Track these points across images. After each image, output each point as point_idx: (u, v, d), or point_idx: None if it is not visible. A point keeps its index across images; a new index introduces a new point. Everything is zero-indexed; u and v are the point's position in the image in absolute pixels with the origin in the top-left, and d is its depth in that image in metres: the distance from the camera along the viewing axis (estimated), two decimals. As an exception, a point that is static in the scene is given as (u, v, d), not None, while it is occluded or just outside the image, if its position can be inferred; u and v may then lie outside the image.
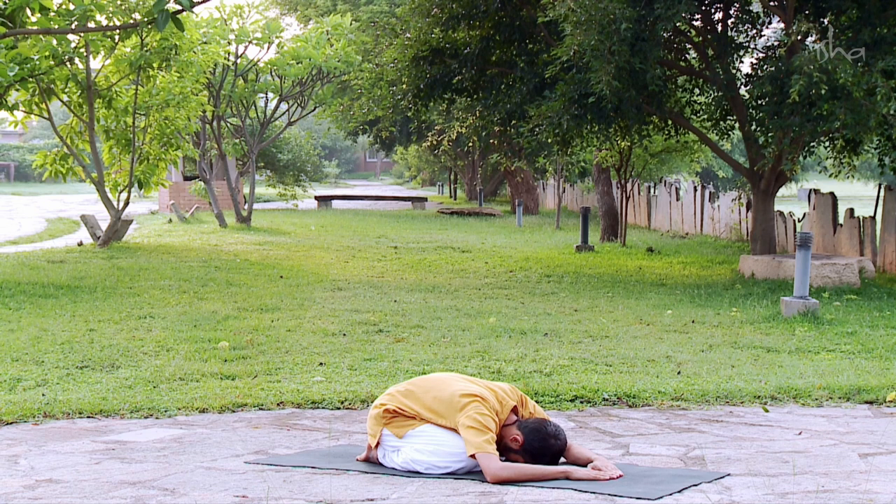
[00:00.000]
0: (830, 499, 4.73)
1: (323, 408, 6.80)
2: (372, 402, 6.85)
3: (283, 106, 28.86)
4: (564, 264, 17.73)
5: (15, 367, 7.91)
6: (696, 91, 18.90)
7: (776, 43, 17.36)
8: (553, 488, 4.88)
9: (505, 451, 5.21)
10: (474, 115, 19.79)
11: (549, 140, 16.18)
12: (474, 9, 17.29)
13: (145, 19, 12.80)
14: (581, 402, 6.93)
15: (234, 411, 6.68)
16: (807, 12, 15.75)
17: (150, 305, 11.58)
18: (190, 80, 20.33)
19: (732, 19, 17.34)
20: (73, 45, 18.00)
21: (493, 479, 4.99)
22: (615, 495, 4.77)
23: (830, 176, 18.38)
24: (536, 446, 5.18)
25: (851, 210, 17.88)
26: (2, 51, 14.75)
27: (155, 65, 19.31)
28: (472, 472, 5.14)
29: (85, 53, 18.50)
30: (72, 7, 14.65)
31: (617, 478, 5.03)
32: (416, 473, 5.16)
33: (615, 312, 11.66)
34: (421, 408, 5.27)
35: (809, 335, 9.88)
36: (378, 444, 5.32)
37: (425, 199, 42.59)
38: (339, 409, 6.78)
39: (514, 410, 5.34)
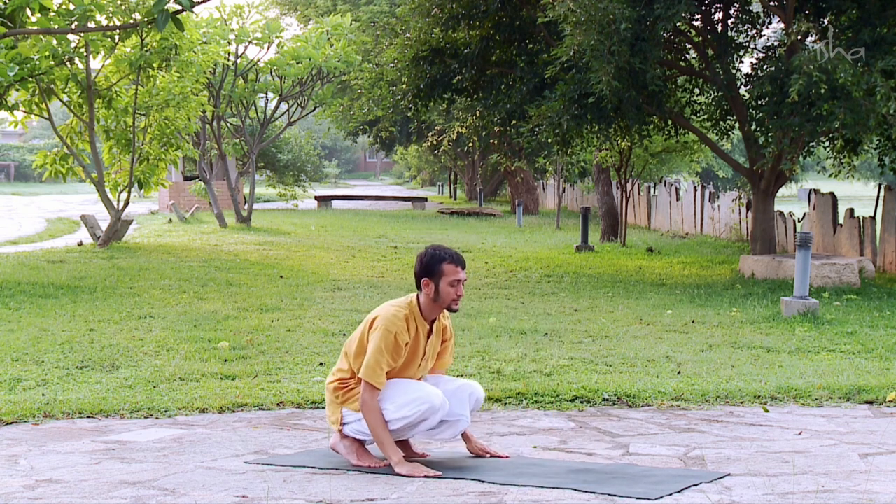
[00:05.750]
0: (830, 499, 4.73)
1: (323, 408, 6.79)
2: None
3: (283, 106, 28.87)
4: (564, 264, 17.73)
5: (15, 367, 7.91)
6: (696, 91, 18.90)
7: (776, 43, 17.37)
8: (553, 488, 4.88)
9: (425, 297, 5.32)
10: (474, 115, 19.80)
11: (549, 140, 16.18)
12: (474, 9, 17.30)
13: (145, 19, 12.81)
14: (581, 402, 6.93)
15: (234, 411, 6.68)
16: (807, 12, 15.76)
17: (150, 305, 11.58)
18: (190, 80, 20.33)
19: (732, 19, 17.35)
20: (73, 45, 18.00)
21: (361, 402, 5.23)
22: (615, 495, 4.77)
23: (830, 176, 18.38)
24: (426, 262, 5.31)
25: (851, 210, 17.88)
26: (2, 51, 14.75)
27: (155, 65, 19.31)
28: (472, 470, 5.14)
29: (85, 53, 18.50)
30: (72, 7, 14.65)
31: (435, 476, 5.12)
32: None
33: (615, 312, 11.66)
34: (352, 360, 5.37)
35: (809, 335, 9.88)
36: (342, 427, 5.39)
37: (425, 199, 42.59)
38: (339, 409, 6.78)
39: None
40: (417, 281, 5.33)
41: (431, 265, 5.28)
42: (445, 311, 5.42)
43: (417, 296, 5.35)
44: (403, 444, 5.47)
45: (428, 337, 5.36)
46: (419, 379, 5.43)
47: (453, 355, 5.70)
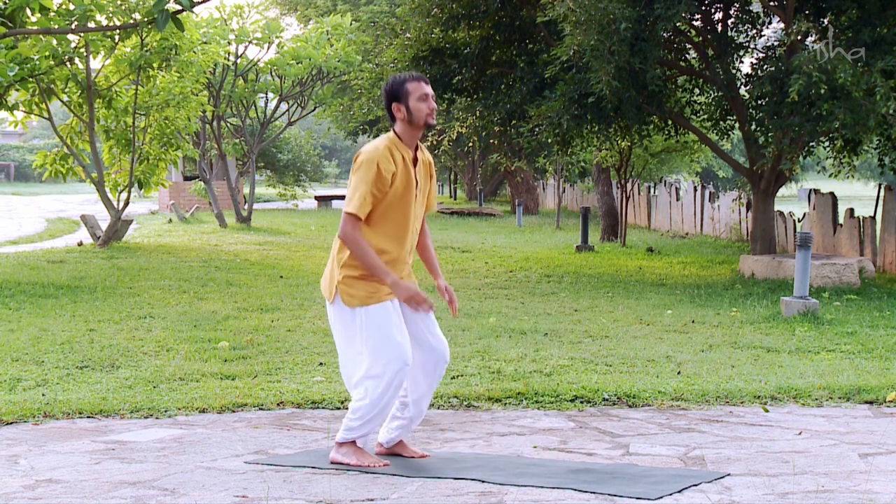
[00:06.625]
0: (830, 499, 4.73)
1: (323, 408, 6.79)
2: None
3: (283, 106, 28.89)
4: (564, 264, 17.73)
5: (15, 367, 7.91)
6: (696, 91, 18.91)
7: (776, 43, 17.38)
8: (553, 488, 4.88)
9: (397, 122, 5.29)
10: (474, 115, 19.81)
11: (549, 140, 16.19)
12: (474, 9, 17.31)
13: (145, 19, 12.82)
14: (581, 402, 6.92)
15: (234, 411, 6.68)
16: (807, 12, 15.76)
17: (150, 305, 11.58)
18: (190, 80, 20.34)
19: (732, 19, 17.35)
20: (73, 45, 18.01)
21: (341, 235, 5.16)
22: (615, 495, 4.77)
23: (830, 176, 18.39)
24: (390, 89, 5.27)
25: (851, 210, 17.88)
26: (2, 51, 14.76)
27: (155, 65, 19.33)
28: (472, 470, 5.14)
29: (85, 53, 18.51)
30: (72, 7, 14.66)
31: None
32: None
33: (615, 312, 11.66)
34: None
35: (809, 335, 9.88)
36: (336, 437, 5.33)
37: (425, 199, 42.51)
38: (339, 409, 6.77)
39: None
40: (390, 112, 5.32)
41: (395, 89, 5.27)
42: (425, 152, 5.39)
43: (393, 128, 5.33)
44: (400, 445, 5.46)
45: (414, 165, 5.32)
46: (416, 216, 5.34)
47: (436, 199, 5.66)
